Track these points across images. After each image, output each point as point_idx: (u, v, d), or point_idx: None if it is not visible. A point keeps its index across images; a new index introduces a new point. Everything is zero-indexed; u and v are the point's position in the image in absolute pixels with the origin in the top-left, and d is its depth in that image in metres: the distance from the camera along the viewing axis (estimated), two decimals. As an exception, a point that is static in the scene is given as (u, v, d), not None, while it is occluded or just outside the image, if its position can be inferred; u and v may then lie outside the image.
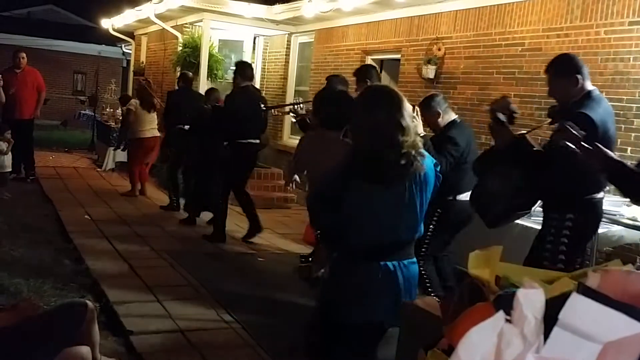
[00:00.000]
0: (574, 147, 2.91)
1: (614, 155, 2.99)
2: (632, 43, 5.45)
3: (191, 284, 5.47)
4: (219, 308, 4.90)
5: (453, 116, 5.04)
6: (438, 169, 2.80)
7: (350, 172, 2.63)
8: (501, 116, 3.71)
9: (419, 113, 4.62)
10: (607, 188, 3.92)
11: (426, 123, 4.91)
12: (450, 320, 1.85)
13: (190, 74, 9.35)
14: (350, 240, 2.68)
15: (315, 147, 4.34)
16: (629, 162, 3.26)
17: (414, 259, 2.78)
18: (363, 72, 6.18)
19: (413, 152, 2.56)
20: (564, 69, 3.74)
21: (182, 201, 8.61)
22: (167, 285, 5.35)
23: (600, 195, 3.72)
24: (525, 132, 3.72)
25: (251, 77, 7.27)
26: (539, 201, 3.89)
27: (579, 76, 3.67)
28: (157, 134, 9.45)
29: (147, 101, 9.29)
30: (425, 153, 2.69)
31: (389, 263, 2.66)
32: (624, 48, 5.53)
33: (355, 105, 2.79)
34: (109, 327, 4.39)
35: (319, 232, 3.22)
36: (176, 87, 9.07)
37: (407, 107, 2.61)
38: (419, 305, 2.29)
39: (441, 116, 4.93)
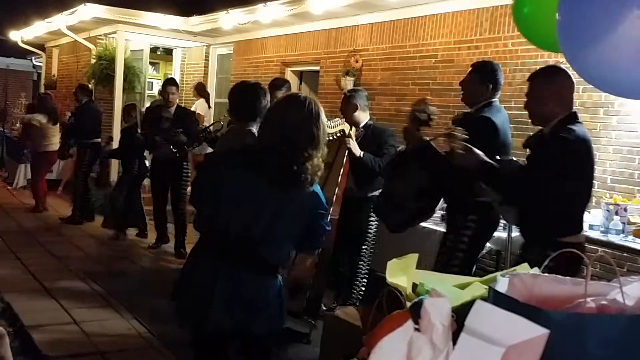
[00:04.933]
0: (457, 149, 3.09)
1: (484, 157, 3.14)
2: (538, 54, 5.71)
3: (110, 303, 5.31)
4: (139, 326, 4.79)
5: (367, 117, 5.22)
6: (323, 213, 2.67)
7: (240, 153, 2.59)
8: (422, 116, 3.82)
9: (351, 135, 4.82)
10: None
11: (343, 114, 5.15)
12: (369, 329, 1.88)
13: (88, 85, 9.24)
14: (205, 227, 2.61)
15: (226, 140, 4.17)
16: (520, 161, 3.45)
17: (265, 277, 2.61)
18: (276, 84, 5.93)
19: (311, 169, 2.48)
20: (483, 74, 3.93)
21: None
22: (85, 306, 5.18)
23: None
24: (430, 138, 3.83)
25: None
26: (442, 204, 4.02)
27: (490, 85, 3.85)
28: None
29: (53, 113, 9.10)
30: (317, 190, 2.61)
31: (216, 264, 2.52)
32: (531, 59, 5.80)
33: (273, 105, 2.68)
34: (24, 352, 4.21)
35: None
36: (79, 102, 8.87)
37: (324, 122, 2.54)
38: (339, 315, 2.32)
39: (358, 111, 5.10)
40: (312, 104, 2.54)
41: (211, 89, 11.58)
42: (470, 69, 4.06)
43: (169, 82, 7.57)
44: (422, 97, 5.04)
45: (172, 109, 7.26)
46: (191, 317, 2.62)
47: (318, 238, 2.75)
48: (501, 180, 3.16)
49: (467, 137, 3.13)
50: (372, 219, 5.03)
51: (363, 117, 5.15)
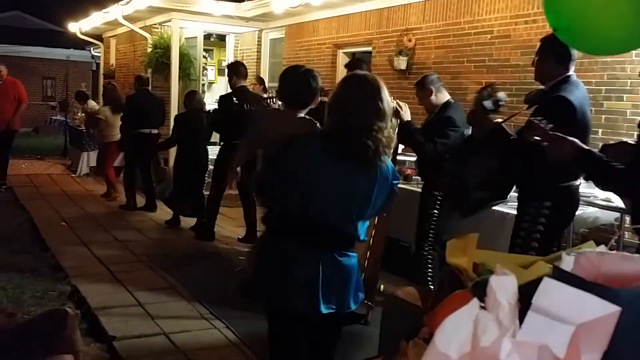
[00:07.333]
0: (544, 142, 2.84)
1: (581, 144, 2.85)
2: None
3: (172, 286, 5.45)
4: (201, 308, 4.89)
5: (447, 96, 4.91)
6: (397, 182, 2.73)
7: (316, 140, 2.61)
8: (487, 104, 3.69)
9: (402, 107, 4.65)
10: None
11: (421, 103, 4.97)
12: (430, 309, 1.87)
13: (146, 75, 9.30)
14: (287, 212, 2.61)
15: (274, 124, 4.02)
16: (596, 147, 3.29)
17: (350, 255, 2.69)
18: (353, 65, 6.00)
19: (384, 141, 2.53)
20: (547, 49, 3.58)
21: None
22: (148, 289, 5.32)
23: (577, 182, 3.61)
24: (501, 120, 3.61)
25: (246, 76, 7.20)
26: (514, 188, 3.89)
27: (563, 59, 3.53)
28: None
29: (117, 104, 9.26)
30: (390, 162, 2.67)
31: (313, 251, 2.58)
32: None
33: (335, 88, 2.72)
34: (91, 334, 4.37)
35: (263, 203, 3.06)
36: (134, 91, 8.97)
37: (386, 95, 2.59)
38: (399, 295, 2.31)
39: (434, 94, 4.83)
40: (372, 79, 2.62)
41: (264, 73, 11.65)
42: (538, 44, 3.72)
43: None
44: (489, 83, 4.75)
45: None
46: (280, 303, 2.65)
47: (390, 203, 2.80)
48: (597, 165, 2.82)
49: (551, 125, 2.85)
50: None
51: (441, 97, 4.87)
